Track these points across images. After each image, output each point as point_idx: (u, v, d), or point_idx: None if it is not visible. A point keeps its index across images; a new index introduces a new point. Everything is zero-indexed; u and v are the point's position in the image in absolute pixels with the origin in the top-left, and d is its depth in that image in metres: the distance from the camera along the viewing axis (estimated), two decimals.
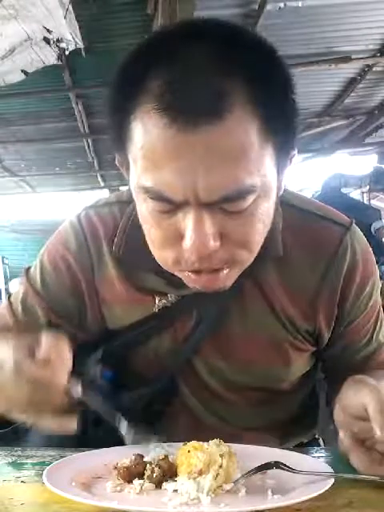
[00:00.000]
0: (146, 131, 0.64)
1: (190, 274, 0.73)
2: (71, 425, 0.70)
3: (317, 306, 0.87)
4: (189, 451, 0.67)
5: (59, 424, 0.71)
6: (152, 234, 0.73)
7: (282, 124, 0.67)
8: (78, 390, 0.71)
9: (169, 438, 0.90)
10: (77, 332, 0.93)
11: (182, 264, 0.71)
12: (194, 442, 0.69)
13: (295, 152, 0.75)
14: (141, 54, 0.68)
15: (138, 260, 0.85)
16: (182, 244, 0.68)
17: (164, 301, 0.88)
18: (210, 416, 0.95)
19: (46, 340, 0.71)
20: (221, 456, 0.66)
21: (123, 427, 0.75)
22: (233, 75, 0.63)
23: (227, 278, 0.73)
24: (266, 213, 0.71)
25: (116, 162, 0.77)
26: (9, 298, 0.97)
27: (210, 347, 0.89)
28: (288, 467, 0.68)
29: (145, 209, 0.71)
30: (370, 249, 0.92)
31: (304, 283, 0.86)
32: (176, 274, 0.76)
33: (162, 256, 0.74)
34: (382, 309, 0.96)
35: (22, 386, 0.68)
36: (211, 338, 0.88)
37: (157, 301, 0.88)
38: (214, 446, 0.68)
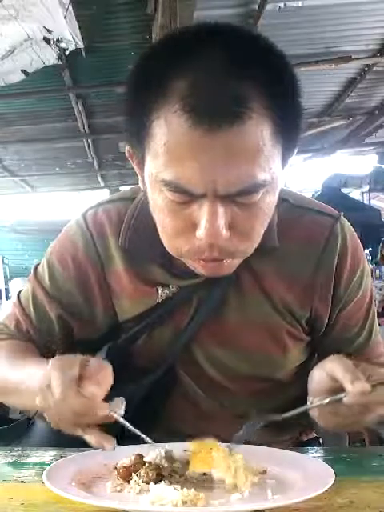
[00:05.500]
0: (170, 130, 0.69)
1: (199, 261, 0.78)
2: (110, 443, 0.72)
3: (312, 293, 0.91)
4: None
5: (99, 441, 0.72)
6: (166, 224, 0.77)
7: (291, 125, 0.73)
8: (121, 412, 0.72)
9: (170, 426, 0.95)
10: (86, 327, 0.97)
11: (194, 252, 0.76)
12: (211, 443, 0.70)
13: (296, 149, 0.79)
14: (161, 53, 0.72)
15: (143, 252, 0.91)
16: (194, 233, 0.73)
17: (166, 291, 0.92)
18: (210, 404, 0.97)
19: (92, 365, 0.73)
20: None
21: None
22: (251, 79, 0.68)
23: (231, 265, 0.80)
24: (270, 206, 0.77)
25: (126, 153, 0.82)
26: (18, 297, 1.01)
27: (209, 335, 0.92)
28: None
29: (161, 200, 0.75)
30: (358, 239, 0.96)
31: (299, 271, 0.91)
32: (185, 260, 0.80)
33: (175, 244, 0.78)
34: (374, 302, 0.99)
35: (67, 410, 0.70)
36: (209, 327, 0.92)
37: (159, 292, 0.92)
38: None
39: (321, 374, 0.74)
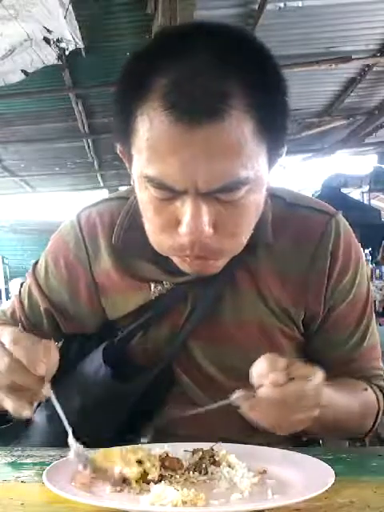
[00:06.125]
0: (152, 126, 0.70)
1: (184, 258, 0.79)
2: (26, 411, 0.73)
3: (306, 291, 0.91)
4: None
5: (19, 408, 0.73)
6: (151, 220, 0.78)
7: (275, 124, 0.74)
8: (48, 390, 0.73)
9: (168, 425, 0.94)
10: (73, 325, 1.00)
11: (177, 249, 0.77)
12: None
13: (285, 149, 0.80)
14: (147, 52, 0.74)
15: (136, 250, 0.92)
16: (178, 230, 0.74)
17: (160, 288, 0.93)
18: (208, 403, 0.95)
19: (38, 337, 0.76)
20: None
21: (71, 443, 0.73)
22: (233, 78, 0.69)
23: (217, 264, 0.81)
24: (256, 204, 0.78)
25: (118, 152, 0.83)
26: (20, 287, 1.06)
27: (205, 333, 0.93)
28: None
29: (146, 196, 0.76)
30: (356, 239, 0.96)
31: (293, 269, 0.91)
32: (171, 257, 0.82)
33: (159, 240, 0.79)
34: (372, 306, 0.97)
35: (6, 361, 0.72)
36: (206, 325, 0.92)
37: (153, 288, 0.93)
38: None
39: (250, 372, 0.74)
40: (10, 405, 0.74)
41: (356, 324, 0.95)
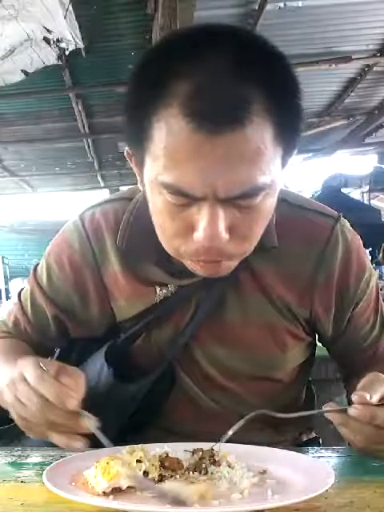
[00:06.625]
0: (170, 132, 0.68)
1: (198, 262, 0.78)
2: (78, 445, 0.72)
3: (312, 293, 0.92)
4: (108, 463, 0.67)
5: (67, 443, 0.73)
6: (165, 225, 0.77)
7: (292, 127, 0.73)
8: (92, 423, 0.71)
9: (170, 426, 0.96)
10: (82, 328, 0.99)
11: (192, 254, 0.76)
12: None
13: (296, 151, 0.79)
14: (161, 54, 0.71)
15: (141, 252, 0.91)
16: (192, 235, 0.73)
17: (164, 291, 0.92)
18: (210, 404, 0.97)
19: (63, 366, 0.74)
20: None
21: None
22: (253, 84, 0.67)
23: (229, 266, 0.80)
24: (269, 208, 0.77)
25: (125, 154, 0.82)
26: (18, 295, 1.03)
27: (208, 335, 0.93)
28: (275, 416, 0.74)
29: (160, 201, 0.74)
30: (360, 238, 0.97)
31: (298, 271, 0.91)
32: (184, 262, 0.81)
33: (173, 246, 0.78)
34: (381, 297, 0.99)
35: (35, 401, 0.71)
36: (209, 326, 0.92)
37: (158, 291, 0.92)
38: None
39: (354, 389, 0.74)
40: (57, 440, 0.74)
41: (374, 314, 0.97)
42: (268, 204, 0.75)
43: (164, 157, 0.69)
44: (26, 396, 0.72)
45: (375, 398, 0.70)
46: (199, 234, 0.72)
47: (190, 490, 0.64)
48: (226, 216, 0.71)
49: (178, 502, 0.61)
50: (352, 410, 0.70)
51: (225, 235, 0.71)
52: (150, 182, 0.75)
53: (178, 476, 0.70)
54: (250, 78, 0.67)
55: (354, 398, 0.71)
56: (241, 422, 0.75)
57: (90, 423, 0.71)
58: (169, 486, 0.66)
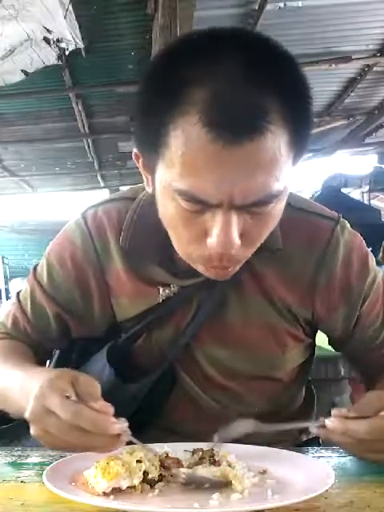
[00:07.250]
0: (188, 141, 0.67)
1: (209, 267, 0.78)
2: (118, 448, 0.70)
3: (313, 294, 0.92)
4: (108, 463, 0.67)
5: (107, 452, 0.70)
6: (178, 231, 0.77)
7: (304, 133, 0.73)
8: (128, 434, 0.68)
9: (171, 426, 0.96)
10: (84, 326, 0.98)
11: (206, 259, 0.76)
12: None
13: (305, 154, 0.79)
14: (176, 59, 0.70)
15: (143, 252, 0.91)
16: (205, 241, 0.74)
17: (167, 291, 0.92)
18: (211, 404, 0.97)
19: (82, 382, 0.71)
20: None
21: None
22: (269, 90, 0.67)
23: (234, 269, 0.81)
24: (279, 213, 0.78)
25: (133, 157, 0.82)
26: (17, 296, 1.02)
27: (209, 335, 0.93)
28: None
29: (173, 207, 0.74)
30: (361, 238, 0.97)
31: (299, 273, 0.91)
32: (195, 266, 0.81)
33: (186, 251, 0.79)
34: None
35: (74, 435, 0.67)
36: (210, 327, 0.92)
37: (161, 291, 0.93)
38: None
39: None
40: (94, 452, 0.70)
41: (383, 316, 0.97)
42: (278, 209, 0.76)
43: (180, 164, 0.69)
44: (58, 429, 0.67)
45: (352, 413, 0.70)
46: (213, 240, 0.72)
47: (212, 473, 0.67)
48: (238, 222, 0.71)
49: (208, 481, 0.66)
50: (327, 422, 0.71)
51: (237, 242, 0.72)
52: (162, 187, 0.74)
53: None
54: (267, 86, 0.67)
55: (332, 411, 0.72)
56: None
57: (127, 435, 0.68)
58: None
